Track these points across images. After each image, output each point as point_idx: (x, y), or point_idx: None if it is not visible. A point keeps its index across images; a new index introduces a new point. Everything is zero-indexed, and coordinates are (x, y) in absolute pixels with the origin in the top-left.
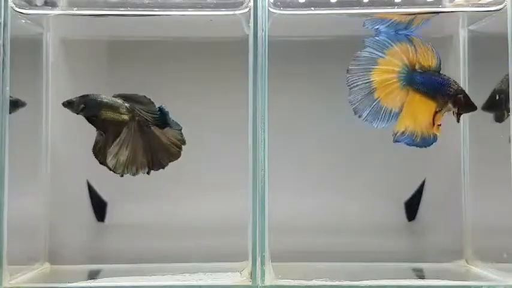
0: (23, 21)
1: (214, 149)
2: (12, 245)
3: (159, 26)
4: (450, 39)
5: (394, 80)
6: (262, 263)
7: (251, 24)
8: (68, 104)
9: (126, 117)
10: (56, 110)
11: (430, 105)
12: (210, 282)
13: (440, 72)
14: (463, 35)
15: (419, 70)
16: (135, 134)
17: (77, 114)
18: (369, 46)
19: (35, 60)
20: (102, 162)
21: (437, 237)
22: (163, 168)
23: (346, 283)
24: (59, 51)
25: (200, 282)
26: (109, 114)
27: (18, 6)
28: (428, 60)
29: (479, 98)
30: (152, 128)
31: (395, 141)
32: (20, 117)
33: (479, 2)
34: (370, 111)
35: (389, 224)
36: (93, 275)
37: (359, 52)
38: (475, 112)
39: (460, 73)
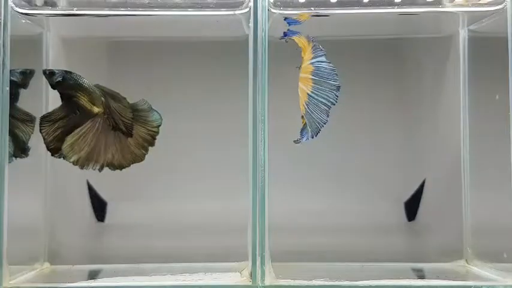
0: (23, 21)
1: (214, 149)
2: (12, 245)
3: (159, 26)
4: (450, 39)
5: None
6: (262, 263)
7: (251, 24)
8: (49, 74)
9: (97, 110)
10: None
11: None
12: (210, 282)
13: None
14: (463, 35)
15: None
16: (99, 129)
17: (52, 88)
18: None
19: (35, 60)
20: (42, 132)
21: (437, 237)
22: (120, 169)
23: (346, 283)
24: (59, 51)
25: (200, 282)
26: (81, 100)
27: (18, 6)
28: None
29: (479, 98)
30: (119, 129)
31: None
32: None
33: (479, 2)
34: None
35: (389, 224)
36: (93, 275)
37: None
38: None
39: (460, 73)
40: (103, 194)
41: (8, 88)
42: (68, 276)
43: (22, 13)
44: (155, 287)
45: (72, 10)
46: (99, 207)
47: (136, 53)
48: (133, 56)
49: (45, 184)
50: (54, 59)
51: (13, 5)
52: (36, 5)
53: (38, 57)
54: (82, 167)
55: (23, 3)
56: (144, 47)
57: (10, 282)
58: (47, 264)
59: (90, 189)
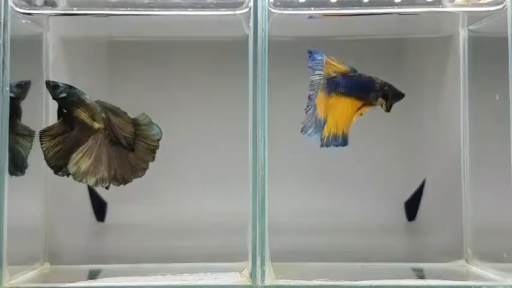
0: (23, 21)
1: (214, 149)
2: (12, 245)
3: (159, 26)
4: (450, 39)
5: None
6: (262, 263)
7: (251, 24)
8: (53, 86)
9: (97, 126)
10: (55, 110)
11: (354, 104)
12: (210, 282)
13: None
14: (463, 35)
15: (334, 75)
16: (101, 145)
17: (53, 99)
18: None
19: (35, 60)
20: (42, 147)
21: (437, 237)
22: (124, 184)
23: (346, 283)
24: (59, 51)
25: (200, 282)
26: (82, 116)
27: (18, 6)
28: (340, 67)
29: (479, 98)
30: (120, 144)
31: (324, 145)
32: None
33: (479, 2)
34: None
35: (389, 224)
36: (93, 275)
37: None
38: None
39: (460, 73)
40: (103, 194)
41: (8, 88)
42: (68, 276)
43: (22, 13)
44: (155, 287)
45: (72, 10)
46: (99, 207)
47: (136, 53)
48: (133, 56)
49: (45, 184)
50: (54, 59)
51: (13, 5)
52: (36, 5)
53: (38, 57)
54: (92, 184)
55: (23, 3)
56: (144, 47)
57: (10, 282)
58: (47, 264)
59: (91, 189)
